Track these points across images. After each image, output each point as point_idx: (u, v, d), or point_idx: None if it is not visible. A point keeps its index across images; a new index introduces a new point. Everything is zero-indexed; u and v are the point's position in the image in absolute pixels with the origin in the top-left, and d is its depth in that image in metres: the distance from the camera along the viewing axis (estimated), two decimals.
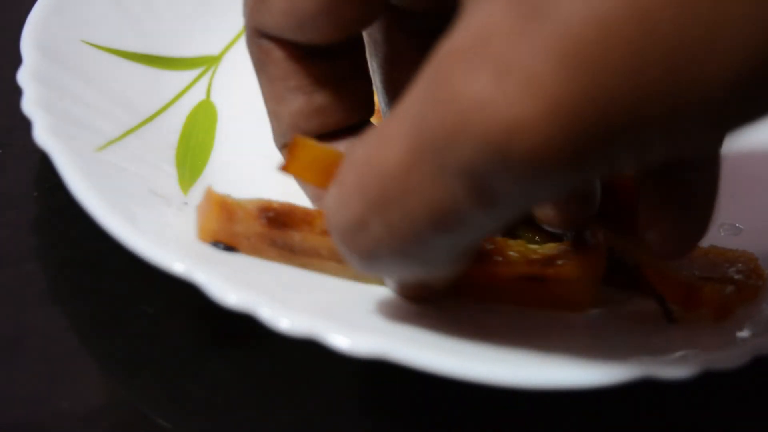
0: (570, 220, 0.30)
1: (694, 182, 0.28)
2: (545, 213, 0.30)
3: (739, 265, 0.33)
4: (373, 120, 0.35)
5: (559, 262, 0.31)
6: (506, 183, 0.22)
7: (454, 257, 0.26)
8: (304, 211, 0.32)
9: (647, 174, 0.29)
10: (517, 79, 0.20)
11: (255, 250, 0.32)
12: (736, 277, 0.33)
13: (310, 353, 0.28)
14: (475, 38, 0.21)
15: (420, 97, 0.23)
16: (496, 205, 0.22)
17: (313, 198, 0.34)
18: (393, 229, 0.24)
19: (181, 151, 0.37)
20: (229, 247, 0.32)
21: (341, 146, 0.32)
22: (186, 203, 0.35)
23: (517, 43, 0.20)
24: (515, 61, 0.20)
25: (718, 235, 0.37)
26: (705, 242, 0.37)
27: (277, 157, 0.38)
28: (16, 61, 0.35)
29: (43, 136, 0.32)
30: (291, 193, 0.37)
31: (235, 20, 0.45)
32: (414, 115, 0.23)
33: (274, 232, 0.32)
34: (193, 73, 0.42)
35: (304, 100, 0.32)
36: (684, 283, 0.32)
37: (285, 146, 0.33)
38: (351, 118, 0.33)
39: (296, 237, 0.32)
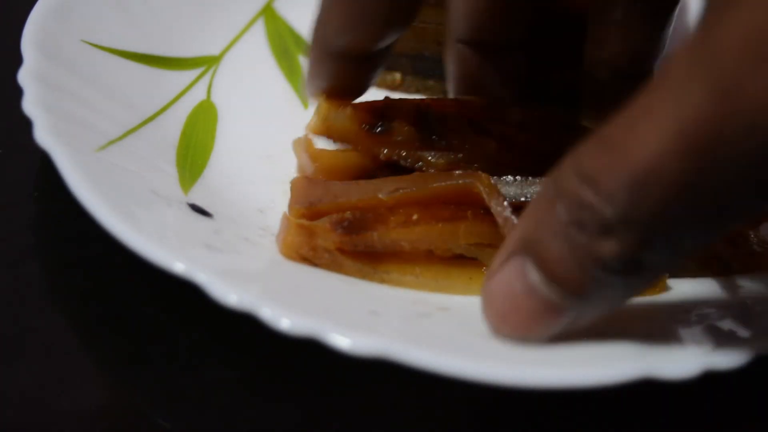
0: None
1: None
2: None
3: None
4: None
5: None
6: None
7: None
8: (375, 212, 0.33)
9: None
10: None
11: (335, 265, 0.33)
12: None
13: (310, 353, 0.28)
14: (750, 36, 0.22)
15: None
16: None
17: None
18: None
19: (182, 151, 0.37)
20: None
21: None
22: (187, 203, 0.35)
23: None
24: None
25: None
26: None
27: (277, 157, 0.38)
28: (16, 61, 0.35)
29: (43, 136, 0.32)
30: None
31: (235, 20, 0.46)
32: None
33: (353, 237, 0.33)
34: (193, 73, 0.42)
35: None
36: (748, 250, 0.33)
37: None
38: None
39: (374, 235, 0.33)
